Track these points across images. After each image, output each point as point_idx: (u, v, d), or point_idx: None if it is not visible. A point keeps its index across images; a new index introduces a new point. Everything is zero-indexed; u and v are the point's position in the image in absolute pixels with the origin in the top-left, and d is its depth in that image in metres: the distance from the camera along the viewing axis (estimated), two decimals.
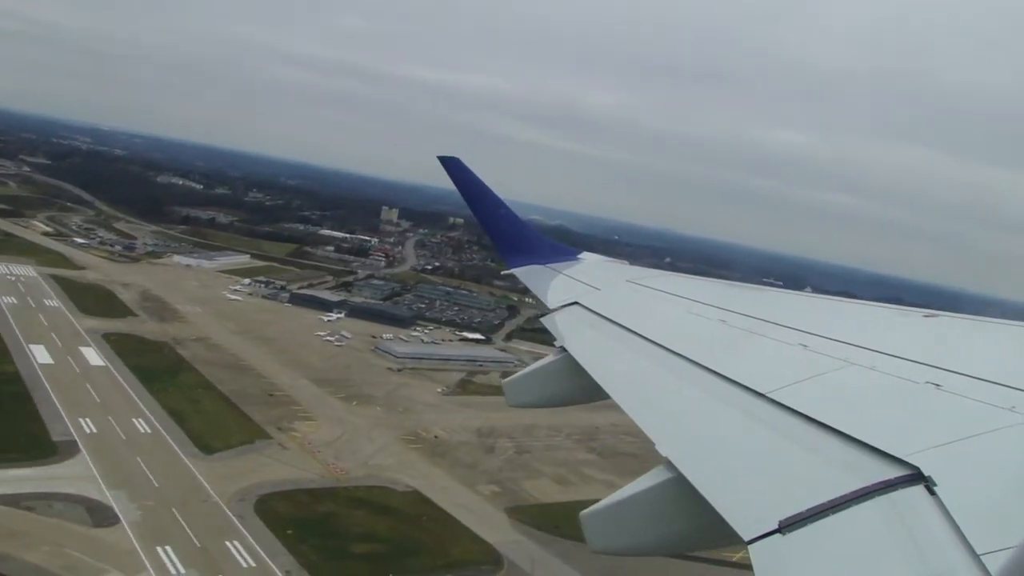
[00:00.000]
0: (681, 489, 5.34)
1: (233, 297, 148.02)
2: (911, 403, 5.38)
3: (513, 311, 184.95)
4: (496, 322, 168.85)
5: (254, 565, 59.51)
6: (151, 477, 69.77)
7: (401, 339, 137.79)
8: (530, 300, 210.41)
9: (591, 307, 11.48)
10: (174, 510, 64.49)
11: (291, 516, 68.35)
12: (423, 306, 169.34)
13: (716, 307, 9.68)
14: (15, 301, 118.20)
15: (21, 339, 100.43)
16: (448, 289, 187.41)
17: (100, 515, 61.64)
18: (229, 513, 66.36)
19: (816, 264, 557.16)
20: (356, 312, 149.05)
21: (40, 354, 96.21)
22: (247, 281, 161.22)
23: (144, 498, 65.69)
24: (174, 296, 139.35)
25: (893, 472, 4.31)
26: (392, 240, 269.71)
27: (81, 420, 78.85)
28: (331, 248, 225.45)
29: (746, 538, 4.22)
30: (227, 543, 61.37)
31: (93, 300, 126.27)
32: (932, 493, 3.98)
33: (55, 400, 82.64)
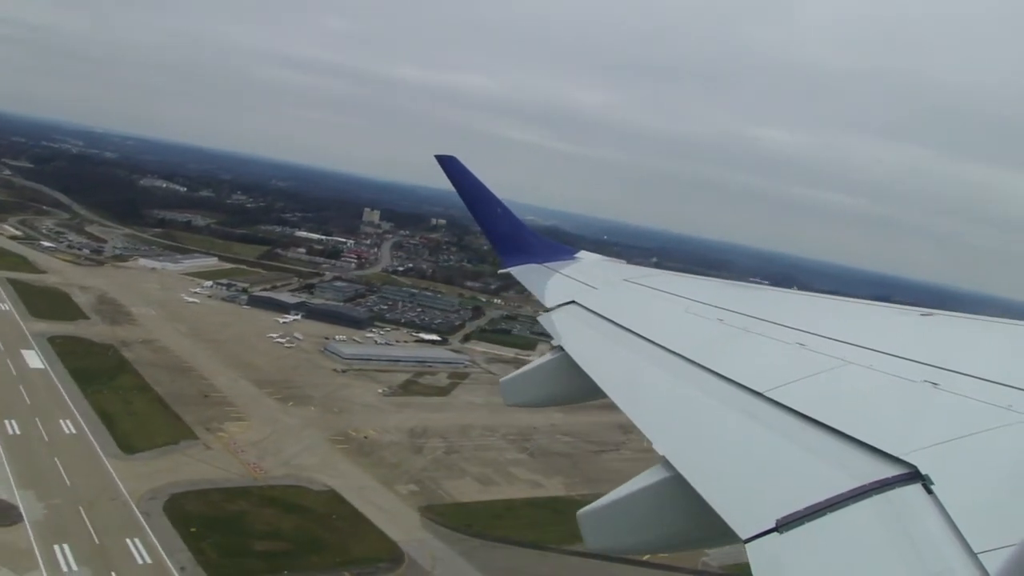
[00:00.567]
0: (678, 488, 5.30)
1: (191, 299, 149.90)
2: (908, 402, 5.41)
3: (478, 312, 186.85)
4: (457, 323, 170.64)
5: (150, 562, 61.25)
6: (65, 477, 71.48)
7: (355, 340, 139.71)
8: (498, 301, 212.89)
9: (588, 306, 11.33)
10: (80, 509, 66.21)
11: (199, 514, 70.08)
12: (385, 307, 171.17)
13: (714, 306, 9.64)
14: None
15: None
16: (413, 291, 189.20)
17: (3, 515, 63.37)
18: (136, 511, 68.10)
19: (808, 263, 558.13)
20: (314, 314, 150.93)
21: None
22: (208, 283, 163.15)
23: (52, 497, 67.39)
24: (131, 299, 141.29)
25: (890, 471, 4.31)
26: (369, 242, 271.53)
27: (6, 422, 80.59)
28: (303, 250, 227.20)
29: (743, 537, 4.21)
30: (127, 541, 63.09)
31: (46, 303, 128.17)
32: (929, 492, 4.00)
33: None
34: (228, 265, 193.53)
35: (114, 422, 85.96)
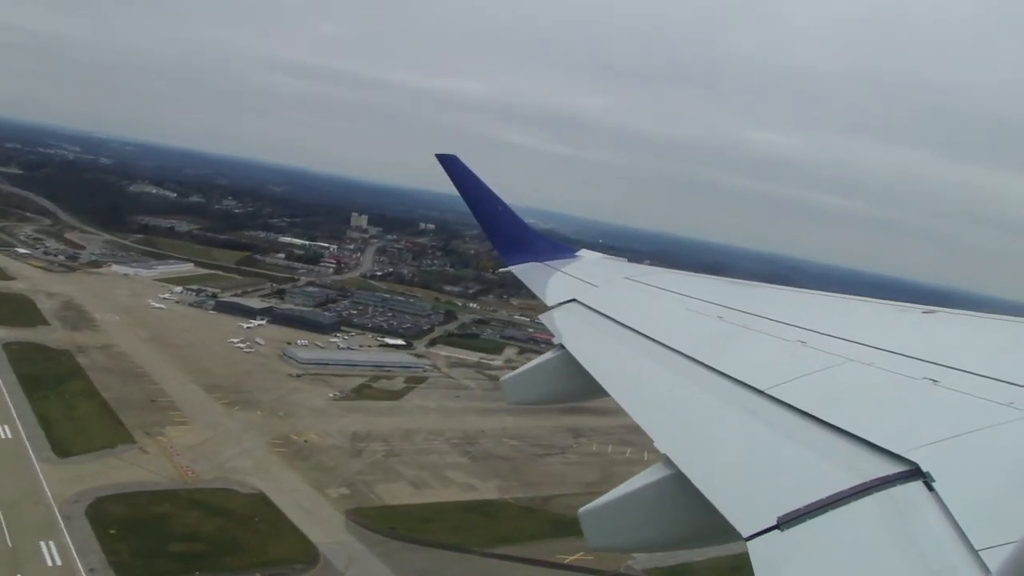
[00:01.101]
0: (679, 486, 5.32)
1: (158, 305, 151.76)
2: (909, 399, 5.41)
3: (450, 317, 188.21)
4: (426, 328, 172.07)
5: (60, 564, 62.74)
6: None
7: (317, 345, 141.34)
8: (474, 306, 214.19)
9: (589, 304, 11.35)
10: None
11: (121, 517, 71.53)
12: (355, 312, 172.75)
13: (714, 304, 9.63)
14: None
15: None
16: (385, 295, 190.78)
17: None
18: (58, 514, 69.64)
19: (808, 265, 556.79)
20: (279, 319, 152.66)
21: None
22: (179, 289, 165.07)
23: None
24: (96, 305, 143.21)
25: (891, 468, 4.31)
26: (352, 247, 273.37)
27: None
28: (283, 255, 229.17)
29: (745, 534, 4.22)
30: (41, 543, 64.63)
31: (9, 310, 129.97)
32: (930, 489, 4.00)
33: None
34: (204, 271, 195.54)
35: (52, 427, 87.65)
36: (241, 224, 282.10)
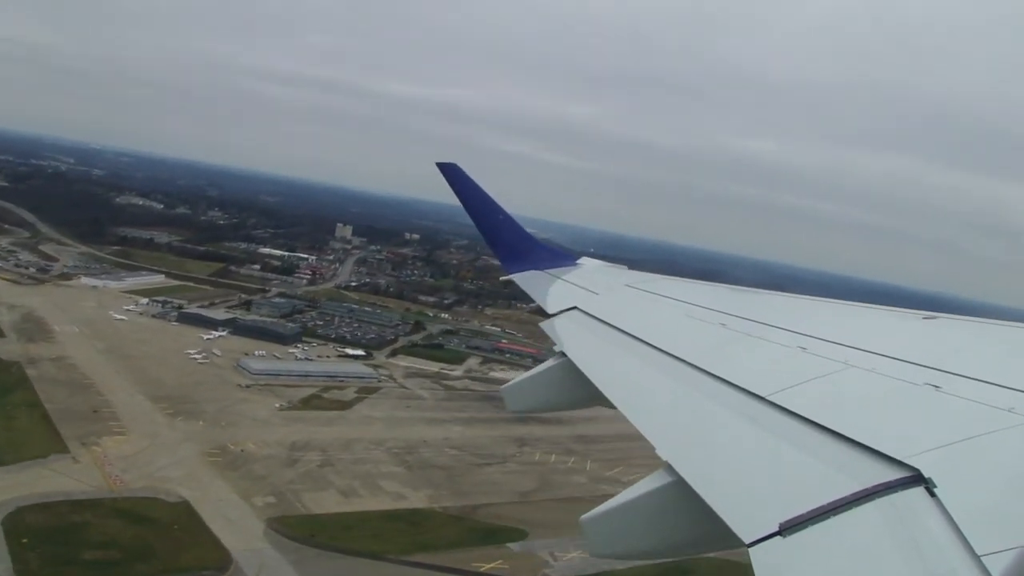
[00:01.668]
0: (681, 493, 5.32)
1: (120, 317, 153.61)
2: (911, 405, 5.39)
3: (418, 327, 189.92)
4: (390, 338, 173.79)
5: None
6: None
7: (275, 356, 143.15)
8: (446, 316, 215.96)
9: (590, 311, 11.40)
10: None
11: (39, 526, 73.23)
12: (321, 323, 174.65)
13: (715, 310, 9.64)
14: None
15: None
16: (353, 306, 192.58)
17: None
18: None
19: (805, 273, 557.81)
20: (241, 330, 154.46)
21: None
22: (144, 301, 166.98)
23: None
24: (57, 317, 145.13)
25: (893, 474, 4.32)
26: (332, 257, 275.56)
27: None
28: (257, 267, 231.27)
29: (747, 541, 4.23)
30: None
31: None
32: (932, 495, 4.01)
33: None
34: (175, 282, 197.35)
35: None
36: (222, 235, 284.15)
